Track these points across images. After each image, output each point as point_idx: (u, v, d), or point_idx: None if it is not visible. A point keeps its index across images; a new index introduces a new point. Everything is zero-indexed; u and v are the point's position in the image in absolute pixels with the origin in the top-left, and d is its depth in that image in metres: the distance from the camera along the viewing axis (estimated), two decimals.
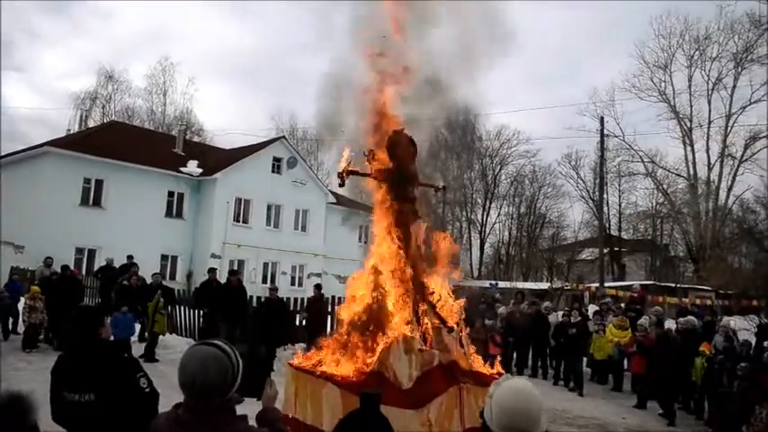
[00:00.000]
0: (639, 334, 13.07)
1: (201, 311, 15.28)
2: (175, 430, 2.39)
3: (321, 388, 7.54)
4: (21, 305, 14.52)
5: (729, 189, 38.13)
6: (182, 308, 16.18)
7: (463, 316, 9.03)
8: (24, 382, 9.74)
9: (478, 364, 8.68)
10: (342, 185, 8.94)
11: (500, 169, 51.26)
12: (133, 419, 3.28)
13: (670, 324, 14.23)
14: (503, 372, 8.93)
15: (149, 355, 13.33)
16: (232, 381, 2.45)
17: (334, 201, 33.91)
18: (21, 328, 14.34)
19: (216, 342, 2.54)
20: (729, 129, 37.71)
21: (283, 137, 36.35)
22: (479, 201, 51.50)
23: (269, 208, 32.15)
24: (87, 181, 26.82)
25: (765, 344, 11.96)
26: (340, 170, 8.75)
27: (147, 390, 3.62)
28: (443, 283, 9.32)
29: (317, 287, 15.57)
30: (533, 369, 15.10)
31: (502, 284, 32.53)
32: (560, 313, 15.34)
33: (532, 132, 75.45)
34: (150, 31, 71.75)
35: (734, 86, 37.61)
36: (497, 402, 2.29)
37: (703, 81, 38.73)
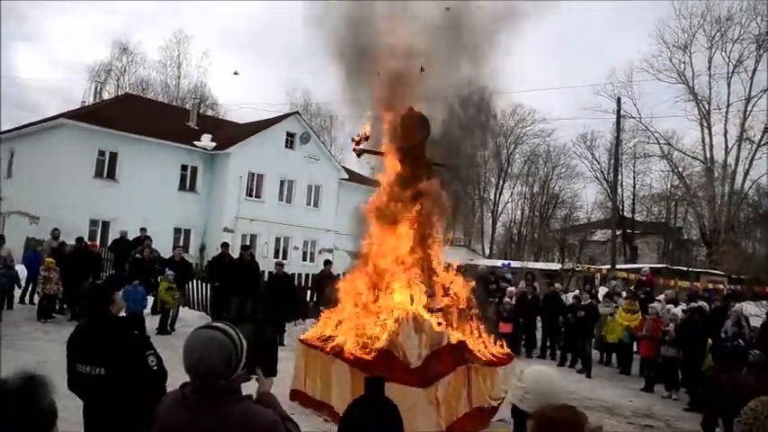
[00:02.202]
0: (650, 317, 13.07)
1: (212, 286, 15.43)
2: (182, 412, 2.42)
3: (330, 364, 7.64)
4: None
5: (746, 173, 37.68)
6: (195, 281, 16.31)
7: (472, 295, 9.08)
8: (40, 351, 9.92)
9: (488, 344, 8.73)
10: (358, 152, 8.92)
11: (514, 148, 51.01)
12: (140, 396, 3.35)
13: (678, 309, 14.22)
14: (511, 353, 8.98)
15: (162, 328, 13.49)
16: (236, 364, 2.46)
17: (347, 177, 33.89)
18: (36, 298, 14.54)
19: (219, 325, 2.55)
20: (748, 112, 37.15)
21: (297, 112, 36.24)
22: (492, 180, 51.34)
23: (282, 183, 32.20)
24: (102, 153, 26.92)
25: None
26: (357, 137, 8.77)
27: (156, 368, 3.71)
28: (454, 261, 9.36)
29: (327, 263, 15.61)
30: (542, 350, 15.15)
31: (514, 264, 32.52)
32: (571, 295, 15.34)
33: (548, 112, 75.00)
34: (165, 1, 71.43)
35: (755, 69, 36.96)
36: (529, 385, 2.60)
37: (723, 63, 38.08)
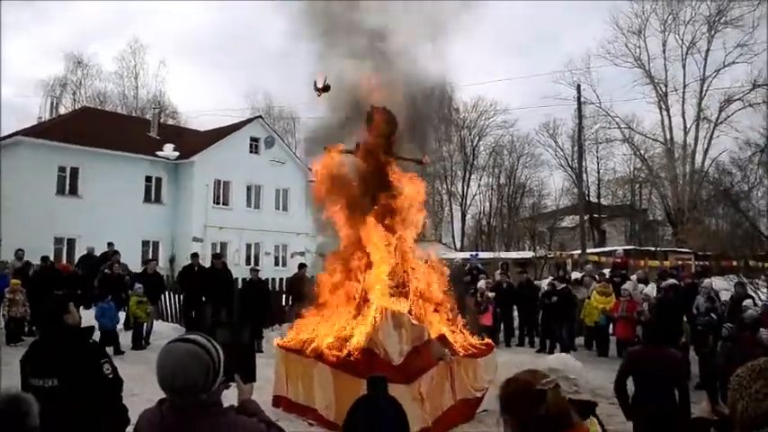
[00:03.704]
0: (623, 298, 13.23)
1: (181, 296, 15.26)
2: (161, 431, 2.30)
3: (312, 368, 7.56)
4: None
5: (705, 152, 38.48)
6: (167, 294, 16.08)
7: (449, 288, 9.08)
8: (12, 375, 9.60)
9: (467, 335, 8.74)
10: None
11: (478, 140, 51.28)
12: (96, 405, 3.26)
13: (650, 288, 14.42)
14: (492, 343, 9.01)
15: (136, 343, 13.26)
16: (214, 375, 2.34)
17: (314, 179, 33.73)
18: (1, 322, 14.14)
19: (192, 337, 2.41)
20: (704, 92, 37.94)
21: (260, 116, 35.95)
22: (459, 173, 51.54)
23: (249, 189, 31.90)
24: (62, 169, 26.35)
25: (744, 303, 12.12)
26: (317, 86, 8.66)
27: (111, 376, 3.62)
28: (428, 254, 9.34)
29: (302, 266, 15.51)
30: (520, 338, 15.25)
31: (484, 255, 32.67)
32: (545, 281, 15.47)
33: (509, 103, 75.59)
34: (117, 12, 70.24)
35: (707, 50, 37.76)
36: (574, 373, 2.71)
37: (677, 45, 38.85)
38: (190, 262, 15.55)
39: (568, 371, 2.67)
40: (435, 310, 8.50)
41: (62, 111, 40.94)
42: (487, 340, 9.03)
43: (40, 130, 28.07)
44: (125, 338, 13.23)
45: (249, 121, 33.96)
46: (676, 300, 11.94)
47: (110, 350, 10.59)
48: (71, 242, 25.89)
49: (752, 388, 2.10)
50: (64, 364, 3.51)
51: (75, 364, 3.52)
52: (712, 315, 11.44)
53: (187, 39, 73.53)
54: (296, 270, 15.80)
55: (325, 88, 8.62)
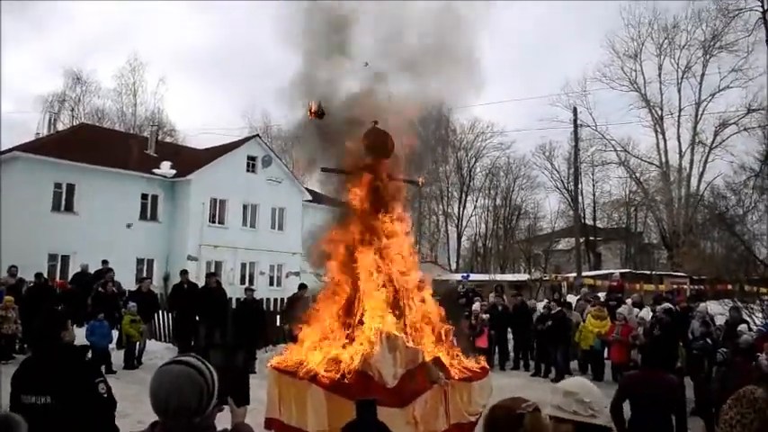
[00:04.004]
0: (618, 322, 13.20)
1: (172, 315, 15.18)
2: None
3: (305, 390, 7.48)
4: None
5: (701, 176, 38.74)
6: (160, 312, 15.98)
7: (443, 311, 9.04)
8: (3, 394, 9.51)
9: (462, 358, 8.68)
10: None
11: (475, 162, 51.47)
12: (90, 425, 3.22)
13: (646, 312, 14.39)
14: (487, 367, 8.96)
15: (129, 362, 13.16)
16: (208, 399, 2.32)
17: (311, 198, 33.76)
18: None
19: (186, 358, 2.40)
20: (699, 116, 38.28)
21: (257, 135, 36.03)
22: (455, 194, 51.65)
23: (245, 207, 31.88)
24: (58, 186, 26.33)
25: (739, 328, 12.11)
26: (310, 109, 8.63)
27: (106, 395, 3.59)
28: (423, 277, 9.30)
29: (302, 287, 15.41)
30: (515, 361, 15.18)
31: (479, 277, 32.66)
32: (541, 305, 15.43)
33: (506, 124, 75.99)
34: (116, 29, 70.68)
35: (702, 74, 38.17)
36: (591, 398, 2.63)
37: (673, 69, 39.29)
38: (180, 280, 15.49)
39: (584, 394, 2.64)
40: (432, 333, 8.45)
41: (60, 127, 41.00)
42: (483, 363, 8.97)
43: (37, 146, 28.07)
44: (117, 357, 13.13)
45: (247, 139, 34.05)
46: (672, 324, 11.91)
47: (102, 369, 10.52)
48: (65, 259, 25.78)
49: (728, 415, 2.15)
50: (58, 382, 3.47)
51: (70, 382, 3.49)
52: (707, 340, 11.39)
53: (186, 56, 74.06)
54: (294, 290, 15.72)
55: (319, 114, 8.60)
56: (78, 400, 3.44)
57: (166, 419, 2.30)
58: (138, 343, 13.60)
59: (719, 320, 13.48)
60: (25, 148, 27.24)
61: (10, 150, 26.96)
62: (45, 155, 25.98)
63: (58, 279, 16.90)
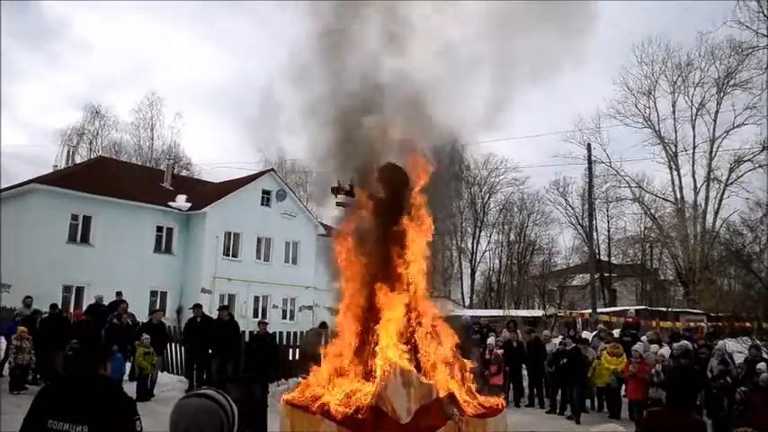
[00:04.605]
0: (634, 359, 13.02)
1: (184, 348, 15.17)
2: None
3: (318, 424, 7.42)
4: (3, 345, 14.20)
5: (716, 212, 38.43)
6: (172, 345, 15.96)
7: (458, 346, 8.96)
8: (14, 425, 9.48)
9: (477, 394, 8.58)
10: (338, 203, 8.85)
11: (489, 197, 51.52)
12: None
13: (665, 349, 14.18)
14: (502, 403, 8.85)
15: (142, 394, 13.11)
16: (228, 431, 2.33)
17: (325, 232, 33.86)
18: (6, 369, 14.03)
19: (207, 392, 2.40)
20: (714, 153, 38.14)
21: (272, 169, 36.37)
22: (469, 229, 51.59)
23: (259, 241, 32.04)
24: (75, 217, 26.64)
25: (758, 367, 11.91)
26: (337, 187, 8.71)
27: None
28: (438, 311, 9.25)
29: (323, 325, 15.46)
30: (530, 398, 14.97)
31: (493, 312, 32.35)
32: (557, 341, 15.26)
33: (520, 160, 76.13)
34: (133, 63, 72.04)
35: (717, 111, 38.13)
36: None
37: (687, 106, 39.30)
38: (193, 314, 15.51)
39: None
40: (447, 369, 8.37)
41: (78, 160, 41.64)
42: (498, 399, 8.86)
43: (54, 178, 28.49)
44: (129, 389, 13.09)
45: (262, 173, 34.37)
46: (692, 362, 11.74)
47: None
48: (79, 290, 25.94)
49: None
50: (99, 413, 3.45)
51: (111, 414, 3.47)
52: (727, 378, 11.22)
53: (202, 91, 75.18)
54: (303, 324, 15.71)
55: (349, 193, 8.68)
56: None
57: None
58: (150, 375, 13.57)
59: (738, 358, 13.28)
60: (43, 180, 27.63)
61: (28, 182, 27.37)
62: (62, 186, 26.33)
63: (72, 310, 16.92)
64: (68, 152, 42.80)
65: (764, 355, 13.62)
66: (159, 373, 14.22)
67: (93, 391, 3.59)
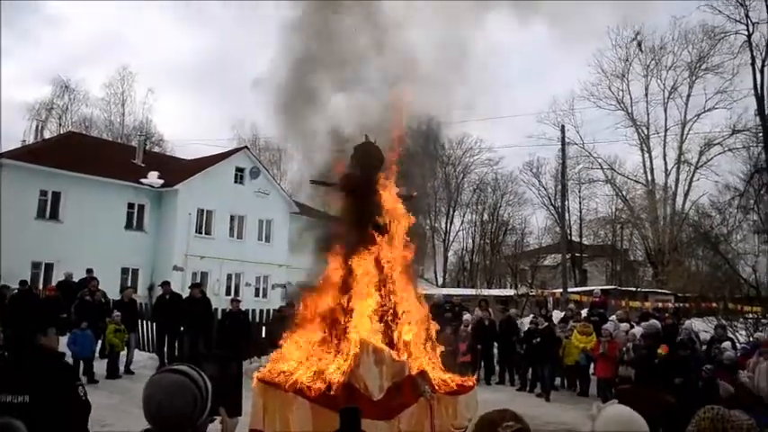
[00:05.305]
0: (604, 338, 13.24)
1: (154, 326, 15.10)
2: None
3: (291, 402, 7.45)
4: None
5: (686, 194, 39.04)
6: (143, 322, 15.84)
7: (431, 324, 9.04)
8: None
9: (448, 372, 8.68)
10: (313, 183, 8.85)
11: (463, 177, 51.63)
12: (66, 427, 3.21)
13: (637, 329, 14.44)
14: (473, 381, 8.96)
15: (112, 372, 13.01)
16: (202, 408, 2.31)
17: (298, 210, 33.71)
18: None
19: (181, 368, 2.37)
20: (685, 136, 38.66)
21: (246, 147, 36.02)
22: (443, 209, 51.74)
23: (232, 219, 31.82)
24: (44, 193, 26.17)
25: (722, 345, 12.19)
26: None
27: (84, 398, 3.60)
28: (410, 290, 9.29)
29: (290, 305, 15.35)
30: (500, 376, 15.17)
31: (465, 291, 32.56)
32: (527, 320, 15.45)
33: (494, 141, 76.33)
34: (105, 38, 70.53)
35: (688, 95, 38.59)
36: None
37: (659, 90, 39.70)
38: (162, 291, 15.39)
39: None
40: (419, 347, 8.45)
41: (47, 135, 40.77)
42: (469, 377, 8.97)
43: (23, 153, 27.90)
44: (99, 367, 12.98)
45: (235, 151, 34.04)
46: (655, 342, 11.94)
47: (84, 378, 10.43)
48: (49, 267, 25.52)
49: None
50: (38, 382, 3.45)
51: (50, 383, 3.48)
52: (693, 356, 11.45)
53: (175, 66, 73.93)
54: (276, 302, 15.69)
55: (316, 183, 8.70)
56: (57, 402, 3.43)
57: (158, 428, 2.27)
58: (120, 353, 13.46)
59: (704, 337, 13.59)
60: (11, 155, 27.06)
61: None
62: (31, 162, 25.80)
63: (41, 287, 16.69)
64: (37, 127, 41.87)
65: (729, 335, 13.99)
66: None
67: (33, 360, 3.59)
